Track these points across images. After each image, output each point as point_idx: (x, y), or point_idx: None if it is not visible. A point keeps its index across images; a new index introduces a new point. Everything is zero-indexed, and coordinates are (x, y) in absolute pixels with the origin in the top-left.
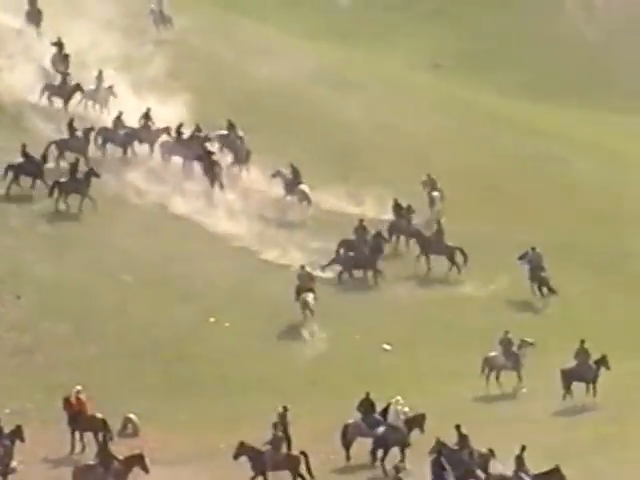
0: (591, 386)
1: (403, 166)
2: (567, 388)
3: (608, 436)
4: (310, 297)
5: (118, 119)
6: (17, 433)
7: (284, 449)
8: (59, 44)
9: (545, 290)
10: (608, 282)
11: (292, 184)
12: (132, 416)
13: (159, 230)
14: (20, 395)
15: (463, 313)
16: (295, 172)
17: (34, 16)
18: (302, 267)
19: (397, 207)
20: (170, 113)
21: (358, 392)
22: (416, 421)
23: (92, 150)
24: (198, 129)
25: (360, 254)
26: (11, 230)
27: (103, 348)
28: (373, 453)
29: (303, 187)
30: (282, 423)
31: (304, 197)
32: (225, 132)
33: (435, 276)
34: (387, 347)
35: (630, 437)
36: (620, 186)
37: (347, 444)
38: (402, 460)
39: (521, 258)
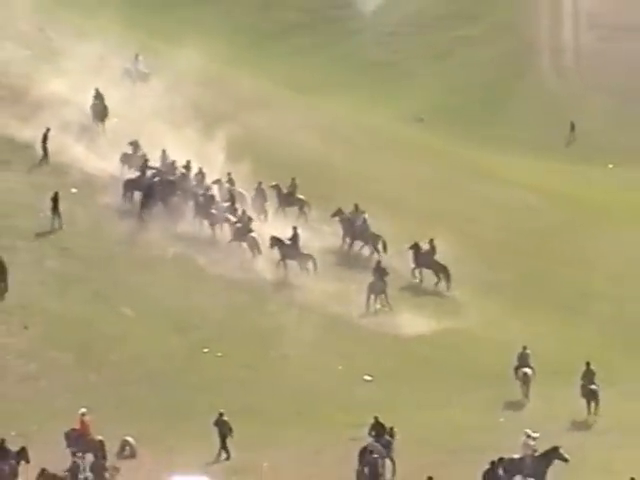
0: None
1: (380, 211)
2: None
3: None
4: None
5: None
6: (22, 454)
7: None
8: (135, 144)
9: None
10: (572, 320)
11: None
12: (130, 439)
13: (157, 267)
14: (25, 418)
15: (439, 346)
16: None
17: (99, 111)
18: None
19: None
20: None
21: (340, 420)
22: (553, 452)
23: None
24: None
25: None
26: (20, 265)
27: (103, 376)
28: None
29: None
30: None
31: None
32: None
33: (415, 311)
34: (368, 378)
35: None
36: (584, 231)
37: (364, 466)
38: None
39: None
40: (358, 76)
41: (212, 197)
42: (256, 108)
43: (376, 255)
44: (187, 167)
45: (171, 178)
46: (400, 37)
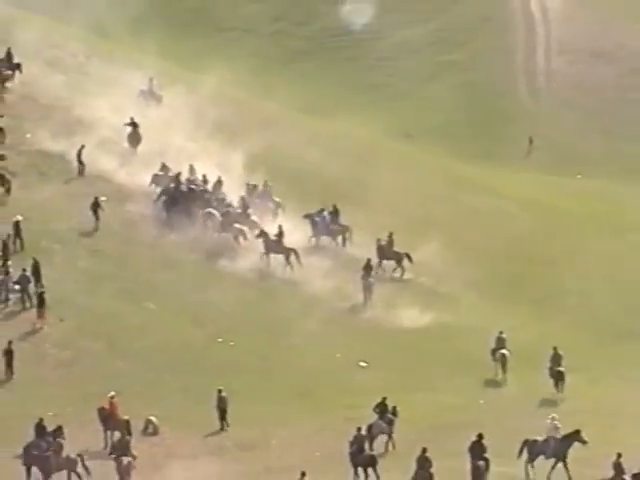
0: None
1: (374, 215)
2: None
3: None
4: None
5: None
6: (58, 432)
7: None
8: (165, 167)
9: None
10: (544, 313)
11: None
12: (153, 418)
13: (177, 267)
14: (61, 401)
15: (427, 337)
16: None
17: (135, 139)
18: None
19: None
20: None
21: (338, 401)
22: (574, 435)
23: None
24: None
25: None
26: (57, 265)
27: (130, 363)
28: None
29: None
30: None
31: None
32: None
33: (408, 306)
34: (363, 364)
35: None
36: (555, 235)
37: (372, 440)
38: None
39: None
40: (355, 97)
41: (228, 206)
42: (266, 126)
43: (348, 245)
44: (205, 180)
45: (193, 188)
46: (393, 62)
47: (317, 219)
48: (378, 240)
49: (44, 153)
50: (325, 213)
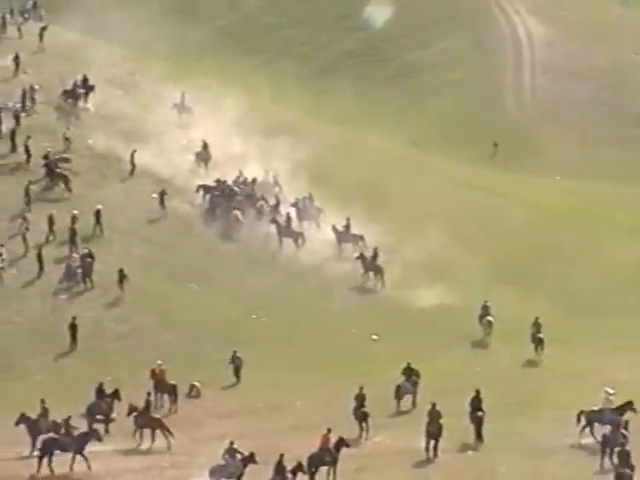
0: None
1: (384, 209)
2: None
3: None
4: None
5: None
6: (115, 394)
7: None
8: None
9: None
10: (528, 293)
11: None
12: (196, 383)
13: (217, 254)
14: (118, 368)
15: (431, 315)
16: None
17: (204, 158)
18: None
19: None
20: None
21: (354, 369)
22: (627, 405)
23: None
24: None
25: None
26: (114, 253)
27: (176, 335)
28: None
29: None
30: None
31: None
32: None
33: (414, 287)
34: (375, 337)
35: None
36: (540, 227)
37: (399, 398)
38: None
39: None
40: (369, 110)
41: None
42: (287, 132)
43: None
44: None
45: (234, 188)
46: (401, 80)
47: (300, 205)
48: (333, 227)
49: (103, 156)
50: (302, 198)
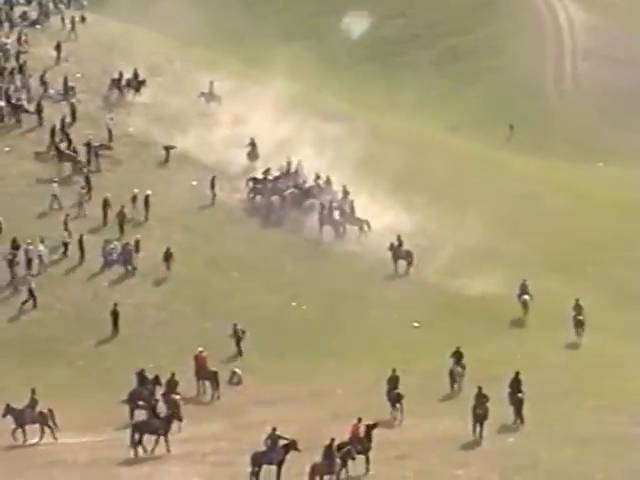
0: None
1: (424, 194)
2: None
3: None
4: None
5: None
6: (156, 380)
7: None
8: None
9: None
10: (570, 280)
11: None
12: (237, 370)
13: (257, 242)
14: (159, 354)
15: (472, 302)
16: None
17: (254, 155)
18: None
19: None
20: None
21: (394, 357)
22: None
23: None
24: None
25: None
26: (154, 240)
27: (216, 323)
28: None
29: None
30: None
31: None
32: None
33: (452, 274)
34: (416, 324)
35: None
36: (577, 214)
37: (454, 381)
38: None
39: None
40: (410, 97)
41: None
42: (332, 119)
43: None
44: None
45: (277, 175)
46: (441, 66)
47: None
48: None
49: (144, 144)
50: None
